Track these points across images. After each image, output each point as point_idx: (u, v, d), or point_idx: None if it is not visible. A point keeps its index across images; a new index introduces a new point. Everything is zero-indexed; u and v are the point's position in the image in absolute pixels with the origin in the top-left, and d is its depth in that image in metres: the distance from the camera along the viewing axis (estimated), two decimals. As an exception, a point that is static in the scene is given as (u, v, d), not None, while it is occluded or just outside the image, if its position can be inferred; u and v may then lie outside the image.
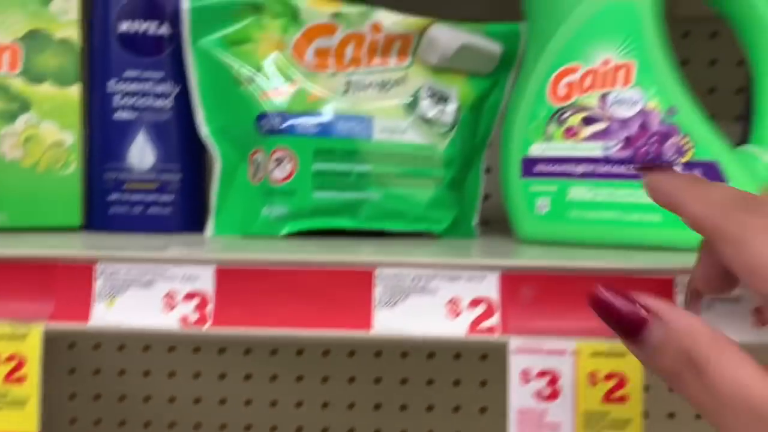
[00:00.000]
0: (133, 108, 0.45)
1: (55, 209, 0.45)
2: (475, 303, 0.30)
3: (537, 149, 0.41)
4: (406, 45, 0.45)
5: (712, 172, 0.38)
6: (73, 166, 0.46)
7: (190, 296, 0.31)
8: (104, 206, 0.45)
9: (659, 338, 0.23)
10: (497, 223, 0.44)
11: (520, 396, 0.28)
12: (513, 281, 0.30)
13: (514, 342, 0.29)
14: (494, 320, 0.29)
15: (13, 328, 0.31)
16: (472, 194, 0.48)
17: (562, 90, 0.40)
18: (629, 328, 0.24)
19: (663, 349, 0.23)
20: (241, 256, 0.31)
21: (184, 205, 0.46)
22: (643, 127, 0.39)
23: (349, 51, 0.44)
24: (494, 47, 0.46)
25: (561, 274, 0.30)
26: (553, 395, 0.28)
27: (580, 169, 0.40)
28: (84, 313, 0.31)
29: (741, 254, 0.23)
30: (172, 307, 0.31)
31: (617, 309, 0.24)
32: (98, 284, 0.31)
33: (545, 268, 0.30)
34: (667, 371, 0.24)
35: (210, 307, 0.31)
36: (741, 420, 0.22)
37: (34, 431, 0.30)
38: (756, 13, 0.39)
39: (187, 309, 0.31)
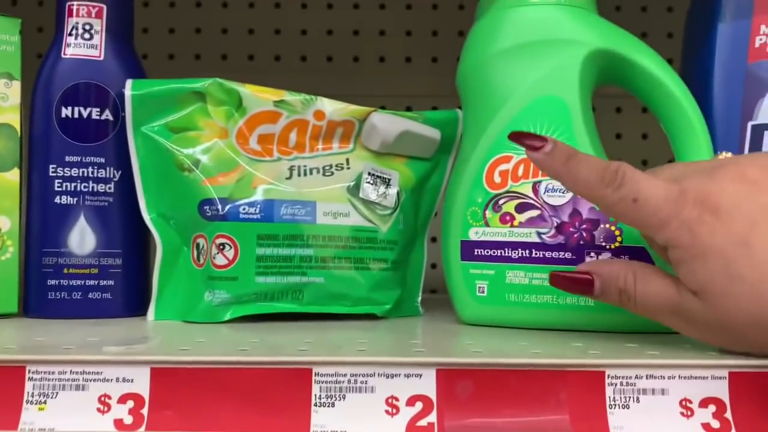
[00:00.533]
0: (74, 193, 0.44)
1: (-11, 296, 0.44)
2: (413, 400, 0.30)
3: (475, 233, 0.42)
4: (348, 131, 0.46)
5: (640, 256, 0.39)
6: (10, 252, 0.45)
7: (125, 398, 0.30)
8: (43, 291, 0.44)
9: (601, 287, 0.34)
10: (445, 292, 0.45)
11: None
12: (449, 377, 0.30)
13: (453, 440, 0.29)
14: (432, 417, 0.30)
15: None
16: (416, 273, 0.49)
17: (497, 177, 0.42)
18: (584, 289, 0.34)
19: (607, 292, 0.33)
20: (176, 357, 0.31)
21: (124, 289, 0.45)
22: (574, 213, 0.40)
23: (293, 137, 0.45)
24: (434, 133, 0.47)
25: (496, 369, 0.30)
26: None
27: (517, 253, 0.41)
28: (14, 419, 0.30)
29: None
30: (106, 410, 0.30)
31: (570, 280, 0.35)
32: (29, 388, 0.30)
33: (480, 364, 0.30)
34: (615, 303, 0.34)
35: (145, 409, 0.30)
36: (662, 317, 0.32)
37: None
38: (663, 90, 0.42)
39: (122, 412, 0.30)
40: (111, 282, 0.45)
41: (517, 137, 0.33)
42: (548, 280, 0.36)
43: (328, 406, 0.30)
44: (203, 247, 0.43)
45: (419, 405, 0.30)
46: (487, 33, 0.43)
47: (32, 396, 0.30)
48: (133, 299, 0.46)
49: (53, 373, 0.31)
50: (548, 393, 0.30)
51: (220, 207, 0.43)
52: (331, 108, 0.46)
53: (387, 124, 0.45)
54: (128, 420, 0.30)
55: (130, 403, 0.30)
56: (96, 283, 0.44)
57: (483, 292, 0.42)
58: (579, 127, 0.41)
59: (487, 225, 0.42)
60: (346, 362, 0.30)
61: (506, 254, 0.41)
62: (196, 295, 0.43)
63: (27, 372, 0.31)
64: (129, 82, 0.44)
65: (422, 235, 0.49)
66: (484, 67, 0.43)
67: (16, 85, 0.46)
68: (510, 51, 0.42)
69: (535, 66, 0.42)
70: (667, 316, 0.32)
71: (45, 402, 0.31)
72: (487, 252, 0.42)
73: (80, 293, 0.44)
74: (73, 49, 0.45)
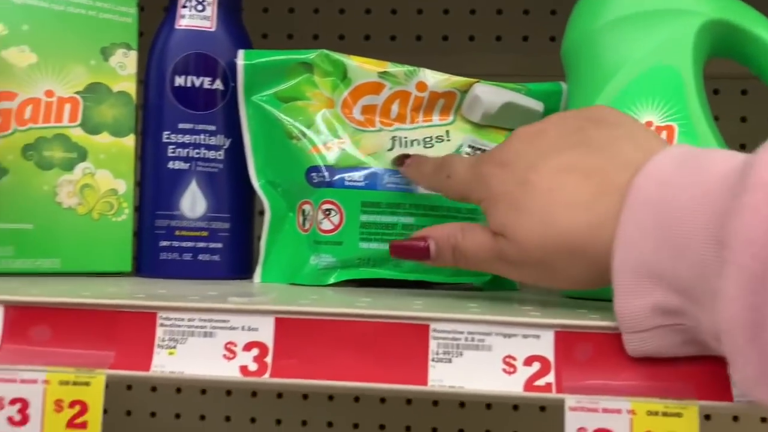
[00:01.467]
0: (186, 159, 0.46)
1: (107, 255, 0.46)
2: (530, 361, 0.30)
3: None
4: (449, 103, 0.47)
5: None
6: (125, 213, 0.47)
7: (249, 346, 0.32)
8: (155, 252, 0.46)
9: (436, 249, 0.37)
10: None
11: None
12: (568, 339, 0.30)
13: (570, 400, 0.29)
14: (549, 378, 0.30)
15: (78, 374, 0.31)
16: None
17: (605, 149, 0.41)
18: (421, 254, 0.37)
19: (442, 253, 0.36)
20: (300, 307, 0.32)
21: (232, 252, 0.47)
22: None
23: (395, 108, 0.46)
24: (536, 105, 0.47)
25: (615, 332, 0.30)
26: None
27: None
28: (146, 362, 0.32)
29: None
30: (232, 357, 0.32)
31: (406, 248, 0.38)
32: (160, 333, 0.32)
33: (601, 327, 0.30)
34: (449, 264, 0.37)
35: (269, 358, 0.31)
36: (491, 266, 0.35)
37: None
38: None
39: (247, 359, 0.31)
40: (220, 245, 0.47)
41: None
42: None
43: (446, 362, 0.31)
44: (309, 213, 0.45)
45: (537, 365, 0.30)
46: (597, 3, 0.43)
47: (163, 341, 0.32)
48: (239, 262, 0.47)
49: (182, 320, 0.32)
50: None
51: (326, 174, 0.44)
52: (434, 79, 0.46)
53: (490, 95, 0.45)
54: (253, 367, 0.31)
55: (255, 351, 0.32)
56: (206, 245, 0.46)
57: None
58: (692, 98, 0.40)
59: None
60: (464, 320, 0.31)
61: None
62: (301, 259, 0.44)
63: (158, 318, 0.32)
64: (241, 53, 0.45)
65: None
66: (593, 37, 0.43)
67: (133, 55, 0.48)
68: (622, 21, 0.42)
69: (649, 36, 0.41)
70: (494, 263, 0.34)
71: (175, 347, 0.32)
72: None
73: (190, 255, 0.46)
74: (187, 20, 0.47)
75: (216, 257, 0.46)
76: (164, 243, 0.46)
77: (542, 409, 0.69)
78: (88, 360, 0.32)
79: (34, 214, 0.45)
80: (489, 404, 0.69)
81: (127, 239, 0.47)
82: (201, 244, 0.46)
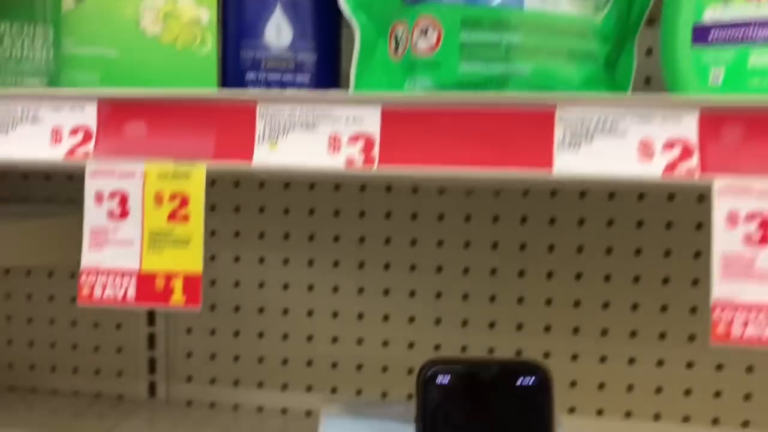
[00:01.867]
0: (270, -18, 0.43)
1: (191, 87, 0.45)
2: (670, 145, 0.27)
3: (712, 14, 0.37)
4: None
5: None
6: (209, 45, 0.45)
7: (355, 138, 0.29)
8: (240, 84, 0.44)
9: None
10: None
11: (726, 240, 0.25)
12: (713, 121, 0.27)
13: (719, 183, 0.26)
14: (693, 162, 0.27)
15: (177, 166, 0.30)
16: (626, 75, 0.44)
17: (745, -56, 0.36)
18: None
19: None
20: (409, 97, 0.29)
21: (319, 81, 0.44)
22: None
23: None
24: None
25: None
26: (765, 239, 0.25)
27: (764, 32, 0.36)
28: (247, 154, 0.30)
29: None
30: (336, 149, 0.29)
31: None
32: (260, 126, 0.30)
33: (751, 106, 0.27)
34: None
35: (376, 149, 0.29)
36: None
37: (197, 270, 0.29)
38: None
39: (353, 150, 0.29)
40: (306, 76, 0.44)
41: None
42: None
43: (573, 147, 0.28)
44: (402, 35, 0.41)
45: (677, 149, 0.27)
46: None
47: (264, 134, 0.30)
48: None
49: (283, 111, 0.30)
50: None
51: (423, -12, 0.40)
52: None
53: None
54: (359, 159, 0.29)
55: (361, 143, 0.30)
56: (293, 76, 0.44)
57: (718, 80, 0.37)
58: None
59: (727, 3, 0.37)
60: (595, 102, 0.28)
61: (750, 34, 0.36)
62: (395, 85, 0.41)
63: (258, 109, 0.30)
64: None
65: (635, 33, 0.45)
66: None
67: None
68: None
69: None
70: None
71: (276, 141, 0.30)
72: (727, 33, 0.37)
73: (277, 85, 0.44)
74: None
75: (303, 86, 0.44)
76: (250, 76, 0.44)
77: (670, 197, 0.66)
78: (187, 152, 0.30)
79: (117, 40, 0.43)
80: (612, 193, 0.66)
81: (212, 72, 0.45)
82: (287, 76, 0.44)
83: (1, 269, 0.79)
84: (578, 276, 0.69)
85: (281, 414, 0.75)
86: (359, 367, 0.73)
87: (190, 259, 0.29)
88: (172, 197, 0.30)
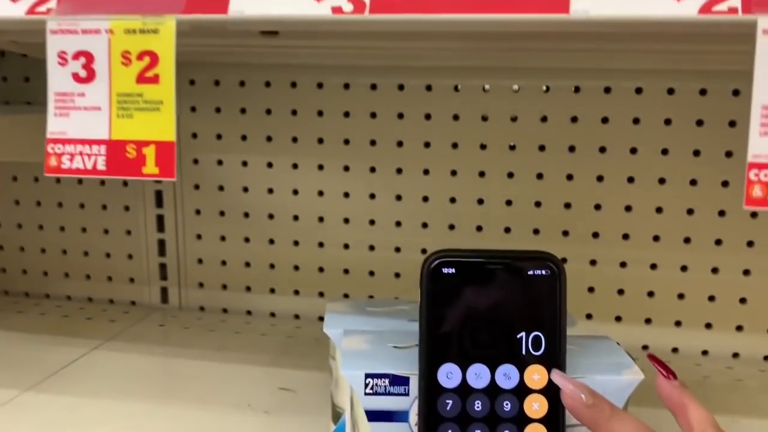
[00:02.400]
0: None
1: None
2: (707, -20, 0.23)
3: None
4: None
5: None
6: None
7: (342, -16, 0.26)
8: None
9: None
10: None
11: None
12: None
13: (764, 22, 0.22)
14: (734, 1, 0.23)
15: (145, 22, 0.27)
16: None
17: None
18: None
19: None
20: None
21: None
22: None
23: None
24: None
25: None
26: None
27: None
28: (222, 6, 0.27)
29: None
30: (321, -2, 0.26)
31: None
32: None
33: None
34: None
35: (366, -4, 0.26)
36: None
37: (171, 137, 0.27)
38: None
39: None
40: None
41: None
42: None
43: (594, -14, 0.24)
44: None
45: None
46: None
47: (240, -18, 0.27)
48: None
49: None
50: None
51: None
52: None
53: None
54: (347, 7, 0.26)
55: (349, -11, 0.26)
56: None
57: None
58: None
59: None
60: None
61: None
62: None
63: (233, -46, 0.27)
64: None
65: None
66: None
67: None
68: None
69: None
70: None
71: (253, -9, 0.27)
72: None
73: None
74: None
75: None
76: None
77: (702, 92, 0.62)
78: (156, 6, 0.27)
79: None
80: (639, 88, 0.62)
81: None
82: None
83: (6, 176, 0.78)
84: (599, 178, 0.65)
85: (294, 319, 0.74)
86: (371, 273, 0.71)
87: (162, 125, 0.26)
88: (141, 56, 0.27)
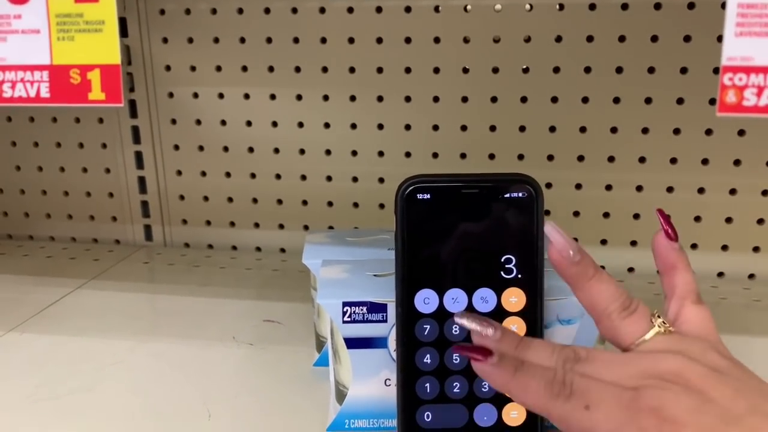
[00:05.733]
0: None
1: None
2: None
3: None
4: None
5: None
6: None
7: None
8: None
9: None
10: None
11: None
12: None
13: None
14: None
15: (79, -66, 0.25)
16: None
17: None
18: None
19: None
20: None
21: None
22: None
23: None
24: None
25: None
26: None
27: None
28: None
29: None
30: None
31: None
32: None
33: None
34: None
35: None
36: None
37: (115, 60, 0.25)
38: None
39: None
40: None
41: (461, 348, 0.30)
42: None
43: None
44: None
45: None
46: None
47: None
48: None
49: None
50: None
51: None
52: None
53: None
54: None
55: None
56: None
57: None
58: None
59: None
60: None
61: None
62: None
63: None
64: None
65: None
66: None
67: None
68: None
69: None
70: None
71: None
72: None
73: None
74: None
75: None
76: None
77: (690, 6, 0.60)
78: None
79: None
80: (624, 4, 0.60)
81: None
82: None
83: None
84: (584, 99, 0.64)
85: (279, 252, 0.74)
86: (355, 204, 0.71)
87: (105, 48, 0.25)
88: (78, -27, 0.25)
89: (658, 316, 0.31)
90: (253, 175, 0.72)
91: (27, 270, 0.69)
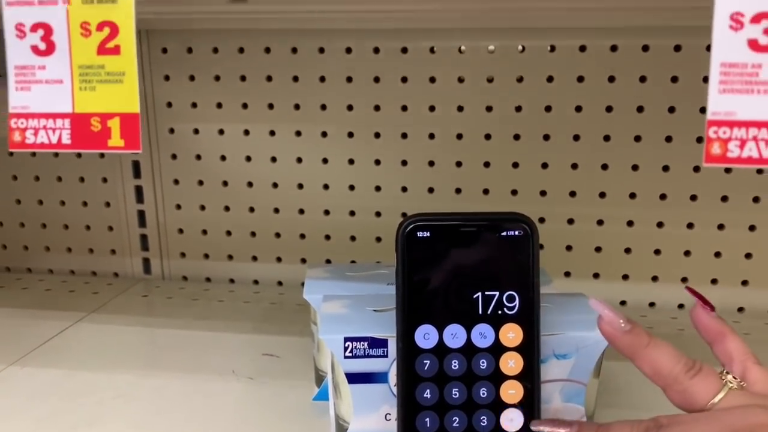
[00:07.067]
0: None
1: None
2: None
3: None
4: None
5: None
6: None
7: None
8: None
9: None
10: None
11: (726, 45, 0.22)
12: None
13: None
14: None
15: (103, -9, 0.26)
16: None
17: None
18: None
19: None
20: None
21: None
22: None
23: None
24: None
25: None
26: (773, 43, 0.22)
27: None
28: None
29: None
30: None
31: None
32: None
33: None
34: None
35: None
36: None
37: (134, 109, 0.26)
38: None
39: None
40: None
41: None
42: None
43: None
44: None
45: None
46: None
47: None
48: None
49: None
50: None
51: None
52: None
53: None
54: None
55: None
56: None
57: None
58: None
59: None
60: None
61: None
62: None
63: None
64: None
65: None
66: None
67: None
68: None
69: None
70: None
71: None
72: None
73: None
74: None
75: None
76: None
77: (677, 48, 0.62)
78: (113, -26, 0.26)
79: None
80: (614, 46, 0.61)
81: None
82: None
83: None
84: (576, 137, 0.66)
85: (277, 286, 0.75)
86: (352, 238, 0.72)
87: (125, 97, 0.26)
88: (100, 27, 0.26)
89: (727, 373, 0.31)
90: (251, 209, 0.74)
91: (26, 303, 0.69)
